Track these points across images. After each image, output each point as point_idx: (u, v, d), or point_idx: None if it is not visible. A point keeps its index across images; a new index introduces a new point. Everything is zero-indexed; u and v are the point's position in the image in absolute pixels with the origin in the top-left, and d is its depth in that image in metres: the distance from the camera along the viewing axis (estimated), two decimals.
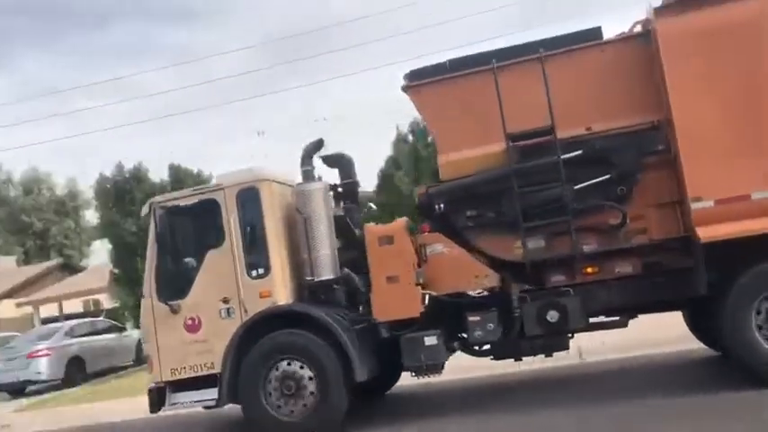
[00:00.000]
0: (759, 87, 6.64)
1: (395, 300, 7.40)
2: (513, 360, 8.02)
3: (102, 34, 77.15)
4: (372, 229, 7.90)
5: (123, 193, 22.85)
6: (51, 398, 15.55)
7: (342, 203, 8.48)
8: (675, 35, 6.84)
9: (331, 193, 8.28)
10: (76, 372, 17.59)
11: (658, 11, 7.01)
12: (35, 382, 17.33)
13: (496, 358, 8.07)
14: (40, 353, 17.10)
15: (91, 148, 69.09)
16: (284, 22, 74.50)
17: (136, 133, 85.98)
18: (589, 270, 7.36)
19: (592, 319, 7.63)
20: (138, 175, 23.36)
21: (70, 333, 18.48)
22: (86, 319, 20.93)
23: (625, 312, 7.66)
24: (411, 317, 7.43)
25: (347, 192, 8.49)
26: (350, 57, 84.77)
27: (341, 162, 8.53)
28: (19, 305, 26.97)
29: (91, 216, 50.46)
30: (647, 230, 7.19)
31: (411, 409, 8.69)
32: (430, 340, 7.29)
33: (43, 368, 17.08)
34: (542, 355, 7.83)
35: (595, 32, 7.42)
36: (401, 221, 7.90)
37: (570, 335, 7.67)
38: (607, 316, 7.87)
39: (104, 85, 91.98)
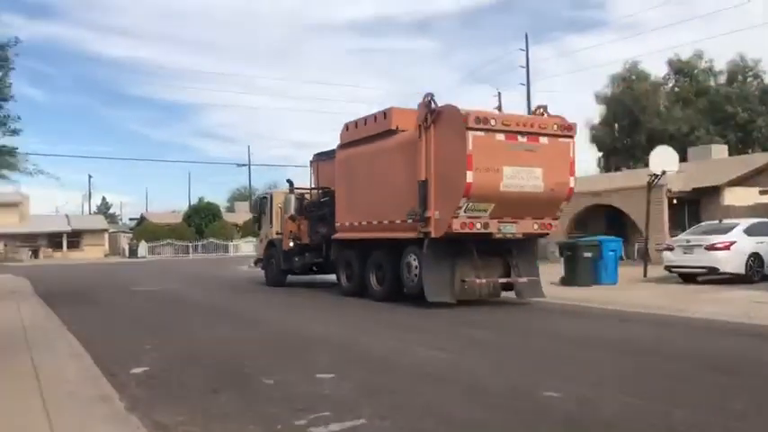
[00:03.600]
0: (362, 185, 18.10)
1: (285, 242, 22.25)
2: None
3: None
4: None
5: None
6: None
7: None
8: (339, 157, 19.33)
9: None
10: (755, 269, 19.25)
11: (338, 146, 19.44)
12: (713, 273, 19.31)
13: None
14: (718, 246, 19.11)
15: None
16: None
17: None
18: None
19: None
20: None
21: (749, 231, 19.73)
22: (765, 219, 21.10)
23: None
24: (290, 249, 22.03)
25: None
26: None
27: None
28: (763, 192, 27.95)
29: None
30: None
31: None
32: (296, 259, 21.99)
33: (722, 261, 19.04)
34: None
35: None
36: (288, 214, 22.01)
37: None
38: None
39: None
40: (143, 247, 71.33)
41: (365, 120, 18.30)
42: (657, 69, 61.26)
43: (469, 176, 14.40)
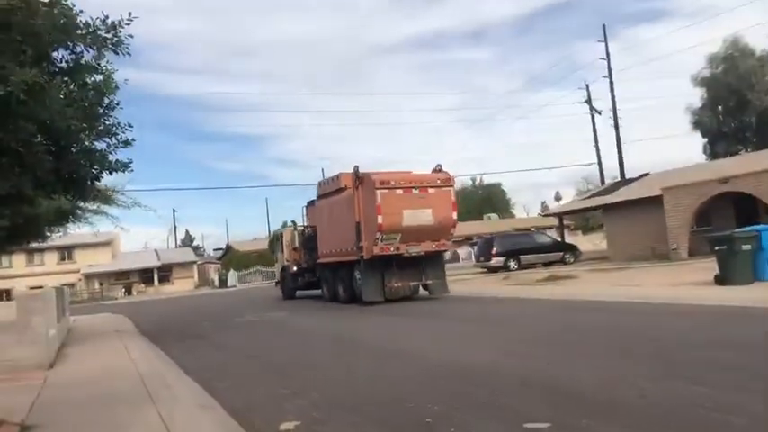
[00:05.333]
0: (330, 225, 28.03)
1: (291, 266, 32.31)
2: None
3: None
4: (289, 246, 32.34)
5: None
6: None
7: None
8: (316, 205, 29.15)
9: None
10: None
11: (316, 197, 29.26)
12: None
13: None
14: None
15: None
16: None
17: None
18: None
19: None
20: None
21: None
22: None
23: None
24: (295, 272, 32.11)
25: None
26: None
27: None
28: None
29: None
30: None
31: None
32: (299, 279, 31.88)
33: None
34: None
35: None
36: (293, 246, 32.09)
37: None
38: None
39: None
40: (232, 276, 75.99)
41: (327, 180, 28.13)
42: (757, 45, 58.14)
43: (380, 219, 23.36)
